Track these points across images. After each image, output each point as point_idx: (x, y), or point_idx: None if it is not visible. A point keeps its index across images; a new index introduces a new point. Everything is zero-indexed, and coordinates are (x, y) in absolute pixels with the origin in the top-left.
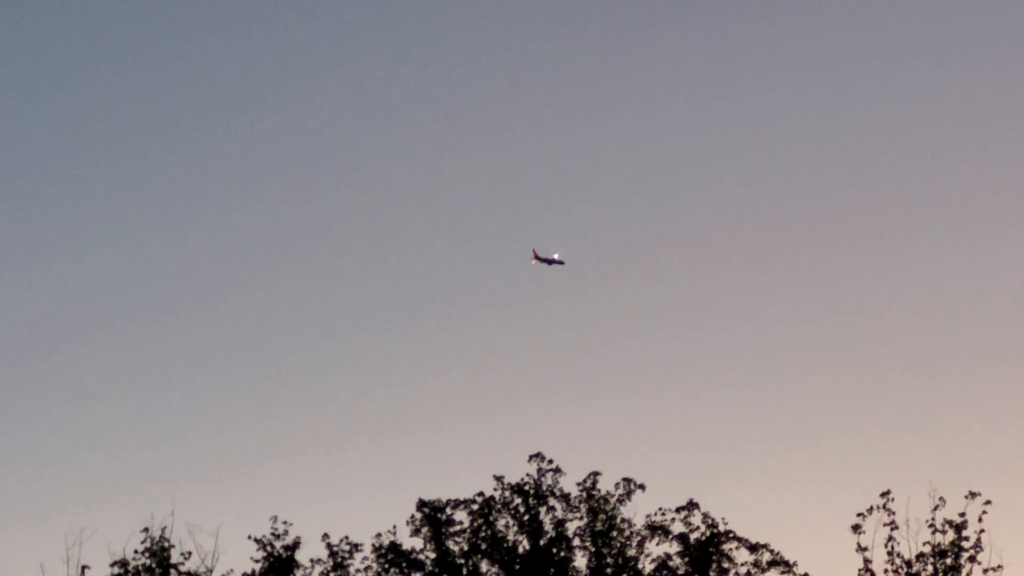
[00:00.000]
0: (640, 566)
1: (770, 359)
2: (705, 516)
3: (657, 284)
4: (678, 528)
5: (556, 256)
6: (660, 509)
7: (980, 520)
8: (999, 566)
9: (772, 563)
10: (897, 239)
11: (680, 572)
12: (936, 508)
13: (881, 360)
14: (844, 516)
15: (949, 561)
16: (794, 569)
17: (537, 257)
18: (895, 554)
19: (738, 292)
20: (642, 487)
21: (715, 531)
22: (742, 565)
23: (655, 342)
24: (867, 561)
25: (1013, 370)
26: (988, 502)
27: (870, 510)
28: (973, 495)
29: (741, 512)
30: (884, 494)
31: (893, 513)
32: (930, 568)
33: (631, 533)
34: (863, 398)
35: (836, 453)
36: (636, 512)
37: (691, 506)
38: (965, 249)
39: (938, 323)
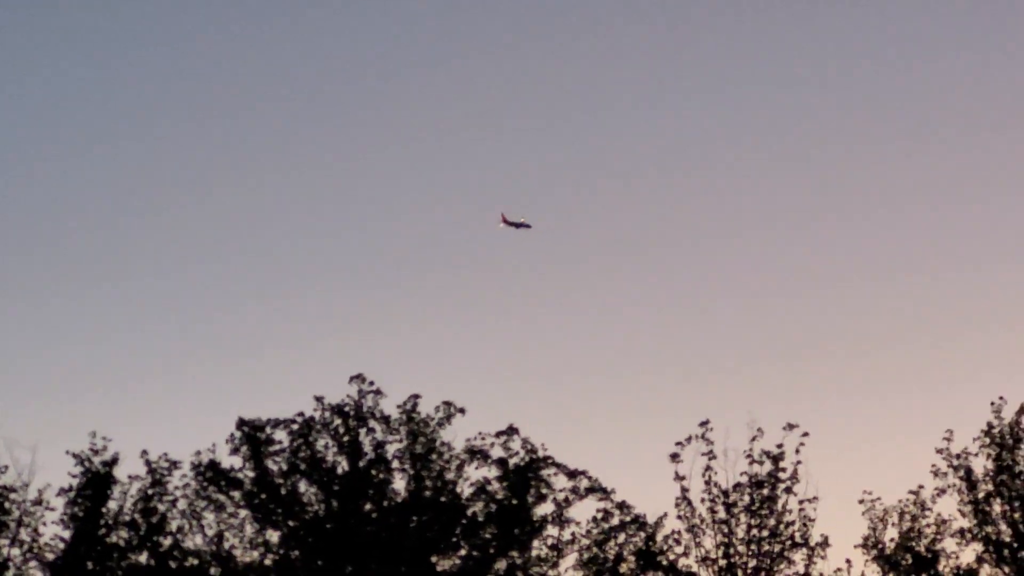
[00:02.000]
0: (459, 489)
1: (593, 288)
2: (524, 441)
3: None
4: (497, 453)
5: (523, 220)
6: (480, 433)
7: (797, 452)
8: (815, 497)
9: (590, 490)
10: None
11: (498, 496)
12: (754, 439)
13: (702, 292)
14: (663, 445)
15: (765, 491)
16: (611, 496)
17: (505, 220)
18: (712, 483)
19: (562, 226)
20: (462, 411)
21: (534, 457)
22: (560, 491)
23: (480, 269)
24: (684, 490)
25: (831, 303)
26: (805, 434)
27: (688, 439)
28: (791, 427)
29: (561, 439)
30: (703, 424)
31: (711, 443)
32: (747, 498)
33: (450, 457)
34: (682, 329)
35: (656, 383)
36: (456, 436)
37: (511, 431)
38: (764, 183)
39: (757, 255)
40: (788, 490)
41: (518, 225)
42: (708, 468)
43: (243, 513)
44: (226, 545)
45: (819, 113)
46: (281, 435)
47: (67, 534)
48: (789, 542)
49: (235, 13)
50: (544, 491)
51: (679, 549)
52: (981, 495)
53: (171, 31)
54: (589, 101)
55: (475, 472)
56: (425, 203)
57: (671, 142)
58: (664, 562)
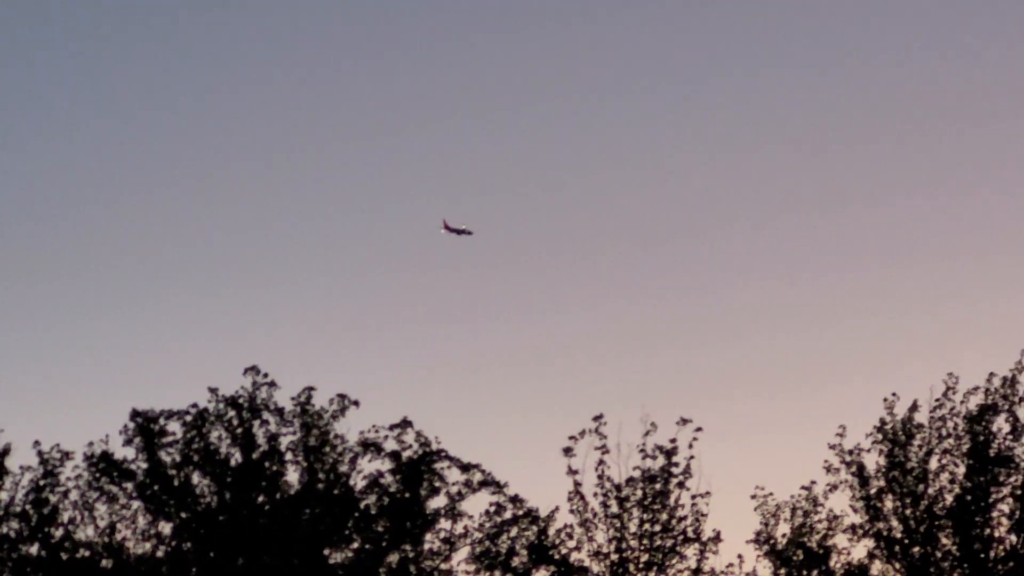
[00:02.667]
0: (352, 482)
1: (487, 282)
2: (418, 435)
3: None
4: (391, 446)
5: (464, 227)
6: (374, 426)
7: (690, 447)
8: (707, 492)
9: (483, 483)
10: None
11: (391, 489)
12: (647, 433)
13: (597, 287)
14: (556, 439)
15: (658, 486)
16: (504, 490)
17: (447, 227)
18: (605, 478)
19: (459, 219)
20: (356, 404)
21: (427, 450)
22: (453, 484)
23: (373, 262)
24: (577, 484)
25: (724, 298)
26: (699, 429)
27: (582, 433)
28: (684, 422)
29: (455, 433)
30: (596, 418)
31: (605, 437)
32: (639, 493)
33: (344, 449)
34: (575, 323)
35: (550, 377)
36: (349, 429)
37: (404, 424)
38: (660, 180)
39: (649, 249)
40: (681, 485)
41: (460, 231)
42: (601, 462)
43: (135, 504)
44: (118, 537)
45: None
46: (175, 426)
47: None
48: (681, 537)
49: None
50: (437, 484)
51: (571, 543)
52: (873, 491)
53: None
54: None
55: (368, 465)
56: (318, 195)
57: (567, 137)
58: (556, 556)
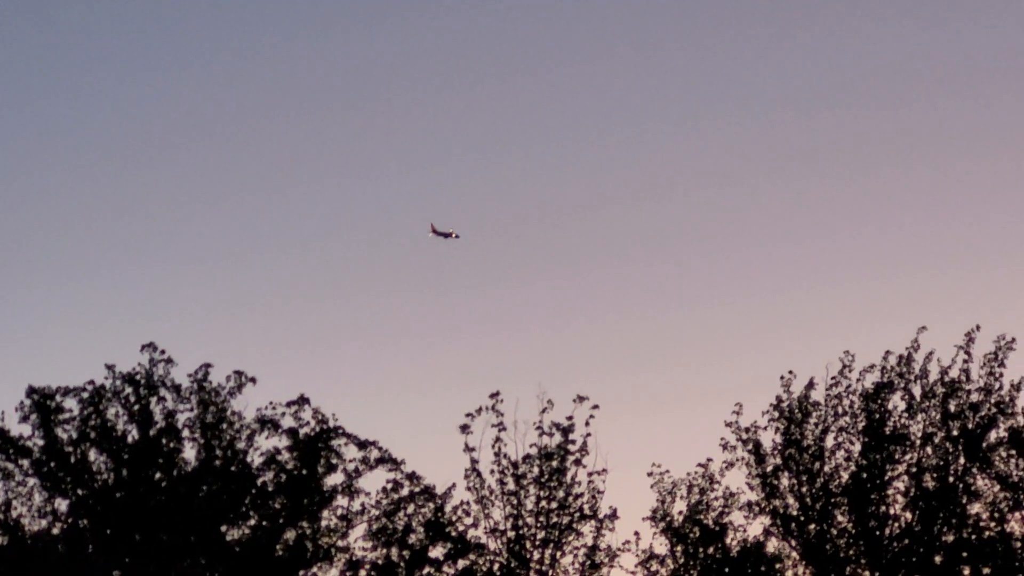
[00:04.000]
0: (249, 459)
1: (383, 257)
2: (315, 412)
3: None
4: (288, 423)
5: (452, 231)
6: (271, 403)
7: (587, 424)
8: (604, 470)
9: (380, 460)
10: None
11: (288, 466)
12: (544, 411)
13: (493, 265)
14: (454, 416)
15: (555, 463)
16: (401, 467)
17: (435, 231)
18: (502, 455)
19: (347, 200)
20: (253, 380)
21: (324, 427)
22: (350, 461)
23: (266, 236)
24: (474, 461)
25: (618, 276)
26: (595, 407)
27: (479, 411)
28: (581, 399)
29: (352, 410)
30: (493, 396)
31: (502, 415)
32: (536, 470)
33: (241, 426)
34: (471, 299)
35: (447, 354)
36: (247, 406)
37: (302, 401)
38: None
39: (545, 227)
40: (577, 462)
41: (447, 235)
42: (498, 440)
43: (32, 482)
44: (14, 514)
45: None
46: (71, 403)
47: None
48: (578, 514)
49: None
50: (334, 461)
51: (468, 520)
52: (769, 469)
53: None
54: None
55: (265, 442)
56: (209, 171)
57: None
58: (453, 533)
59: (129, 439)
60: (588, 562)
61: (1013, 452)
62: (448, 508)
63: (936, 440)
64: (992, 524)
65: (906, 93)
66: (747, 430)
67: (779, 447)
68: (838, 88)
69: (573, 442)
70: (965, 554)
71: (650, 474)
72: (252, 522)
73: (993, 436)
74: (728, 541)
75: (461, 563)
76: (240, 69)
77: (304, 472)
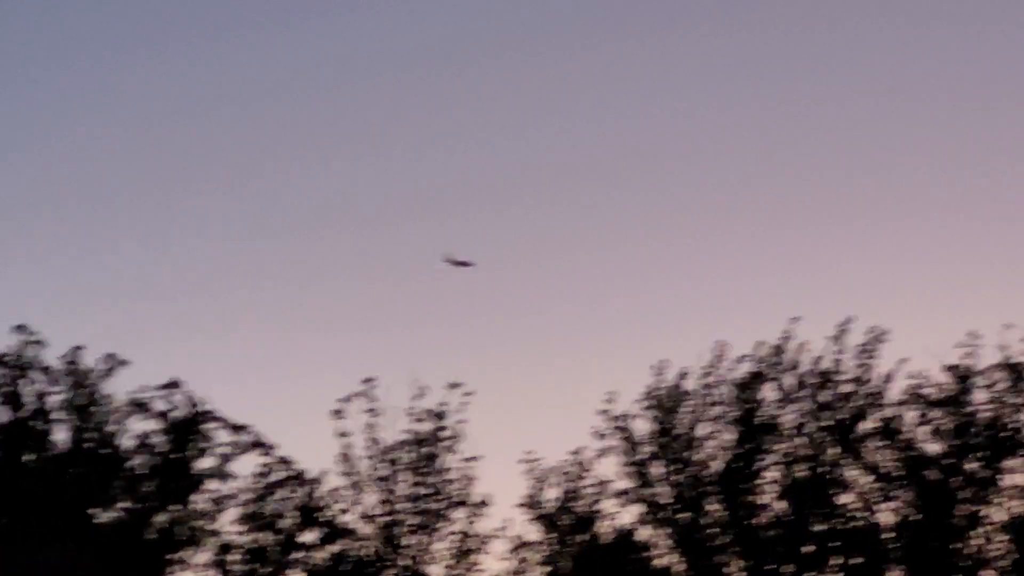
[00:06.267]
0: (120, 442)
1: (257, 239)
2: (188, 395)
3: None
4: (160, 406)
5: (467, 259)
6: (143, 386)
7: (460, 410)
8: (476, 456)
9: (253, 445)
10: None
11: (160, 450)
12: (417, 397)
13: (370, 249)
14: (327, 402)
15: (428, 450)
16: (274, 452)
17: (448, 260)
18: (375, 440)
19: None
20: (125, 363)
21: (197, 410)
22: (222, 445)
23: (138, 215)
24: (347, 447)
25: (494, 263)
26: (469, 393)
27: (352, 396)
28: (455, 386)
29: (225, 394)
30: (367, 381)
31: (375, 400)
32: (409, 456)
33: (112, 409)
34: (348, 285)
35: (321, 339)
36: (118, 388)
37: (174, 384)
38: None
39: (419, 212)
40: (450, 449)
41: (461, 264)
42: (371, 425)
43: None
44: None
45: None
46: None
47: None
48: (451, 500)
49: None
50: (206, 445)
51: (340, 505)
52: (642, 457)
53: None
54: None
55: (137, 425)
56: (85, 146)
57: None
58: (325, 518)
59: None
60: (460, 548)
61: (884, 443)
62: (320, 493)
63: (808, 430)
64: (863, 514)
65: (782, 85)
66: (620, 418)
67: (651, 436)
68: (717, 84)
69: (446, 428)
70: (836, 544)
71: (523, 461)
72: (122, 505)
73: (865, 427)
74: (600, 529)
75: (333, 548)
76: None
77: (175, 456)
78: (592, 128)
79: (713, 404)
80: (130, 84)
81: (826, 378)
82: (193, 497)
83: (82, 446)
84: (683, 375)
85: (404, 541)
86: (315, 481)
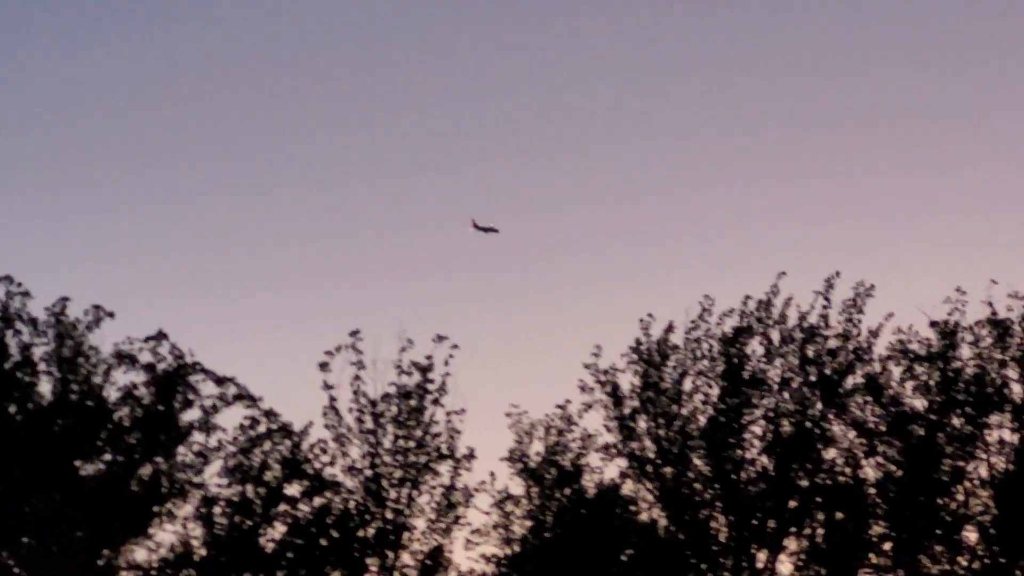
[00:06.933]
0: (105, 394)
1: (244, 195)
2: (173, 347)
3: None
4: (146, 358)
5: (492, 225)
6: (128, 338)
7: (446, 364)
8: (462, 409)
9: (238, 397)
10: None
11: (145, 401)
12: (403, 350)
13: (354, 204)
14: (313, 355)
15: (413, 403)
16: (259, 404)
17: (475, 225)
18: (360, 393)
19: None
20: (112, 315)
21: (182, 363)
22: (207, 398)
23: (125, 169)
24: (333, 399)
25: (479, 217)
26: (455, 346)
27: (338, 349)
28: (441, 339)
29: (211, 345)
30: (353, 334)
31: (361, 353)
32: (394, 409)
33: (98, 361)
34: (334, 238)
35: (307, 291)
36: (104, 340)
37: (160, 336)
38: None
39: (406, 168)
40: (436, 402)
41: (487, 229)
42: (357, 378)
43: None
44: None
45: None
46: None
47: None
48: (435, 453)
49: None
50: (191, 397)
51: (325, 458)
52: (627, 411)
53: None
54: None
55: (123, 377)
56: (74, 106)
57: None
58: (310, 471)
59: None
60: (444, 502)
61: (869, 398)
62: (305, 446)
63: (793, 385)
64: (847, 470)
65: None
66: (606, 372)
67: (637, 390)
68: (701, 38)
69: (432, 381)
70: (820, 499)
71: (508, 415)
72: (107, 457)
73: (850, 382)
74: (584, 483)
75: (317, 501)
76: None
77: (161, 408)
78: (571, 84)
79: (699, 359)
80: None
81: (812, 333)
82: (178, 449)
83: (67, 398)
84: (669, 330)
85: (388, 494)
86: (300, 434)
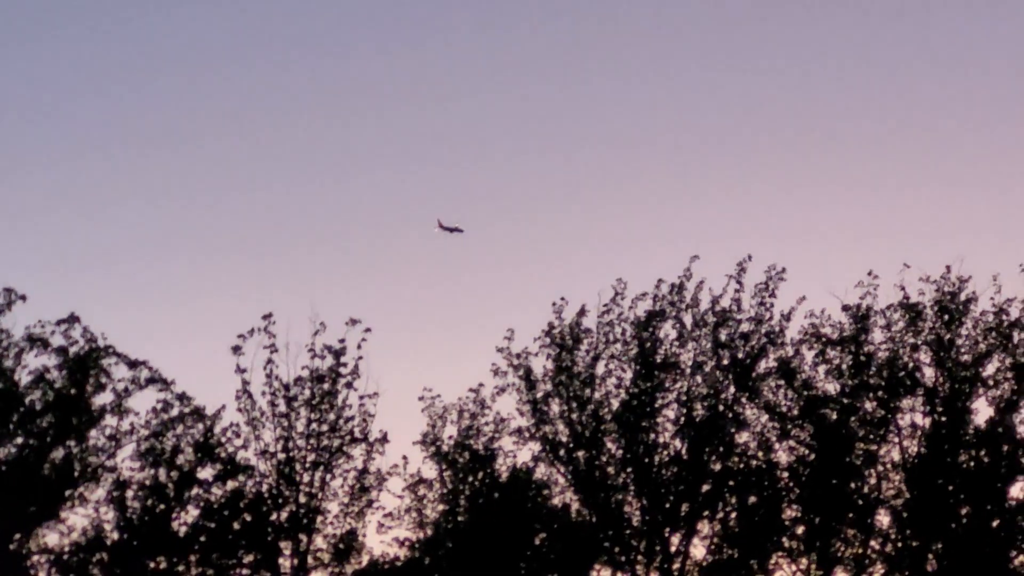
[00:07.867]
0: (17, 377)
1: (154, 175)
2: (85, 330)
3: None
4: (58, 341)
5: (458, 225)
6: (40, 321)
7: (359, 347)
8: (375, 393)
9: (150, 380)
10: None
11: (57, 385)
12: (316, 333)
13: (267, 182)
14: (226, 337)
15: (327, 386)
16: (172, 388)
17: (441, 226)
18: (273, 377)
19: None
20: (23, 298)
21: (94, 346)
22: (120, 381)
23: (38, 151)
24: (246, 383)
25: (391, 196)
26: (368, 330)
27: (251, 332)
28: (354, 322)
29: (123, 329)
30: (266, 317)
31: (274, 336)
32: (307, 392)
33: (9, 344)
34: (246, 218)
35: (220, 273)
36: (16, 323)
37: (72, 320)
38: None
39: (320, 144)
40: (349, 385)
41: (452, 230)
42: (270, 361)
43: None
44: None
45: None
46: None
47: None
48: (348, 437)
49: None
50: (104, 381)
51: (238, 442)
52: (540, 395)
53: None
54: None
55: (34, 360)
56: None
57: None
58: (222, 454)
59: None
60: (357, 485)
61: (782, 382)
62: (218, 429)
63: (706, 369)
64: (760, 453)
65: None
66: (518, 356)
67: (550, 374)
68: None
69: (345, 365)
70: (732, 483)
71: (421, 398)
72: (19, 441)
73: (763, 366)
74: (497, 467)
75: (230, 484)
76: None
77: (73, 391)
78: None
79: (612, 343)
80: None
81: (724, 317)
82: (90, 433)
83: None
84: (582, 313)
85: (302, 477)
86: (213, 417)
